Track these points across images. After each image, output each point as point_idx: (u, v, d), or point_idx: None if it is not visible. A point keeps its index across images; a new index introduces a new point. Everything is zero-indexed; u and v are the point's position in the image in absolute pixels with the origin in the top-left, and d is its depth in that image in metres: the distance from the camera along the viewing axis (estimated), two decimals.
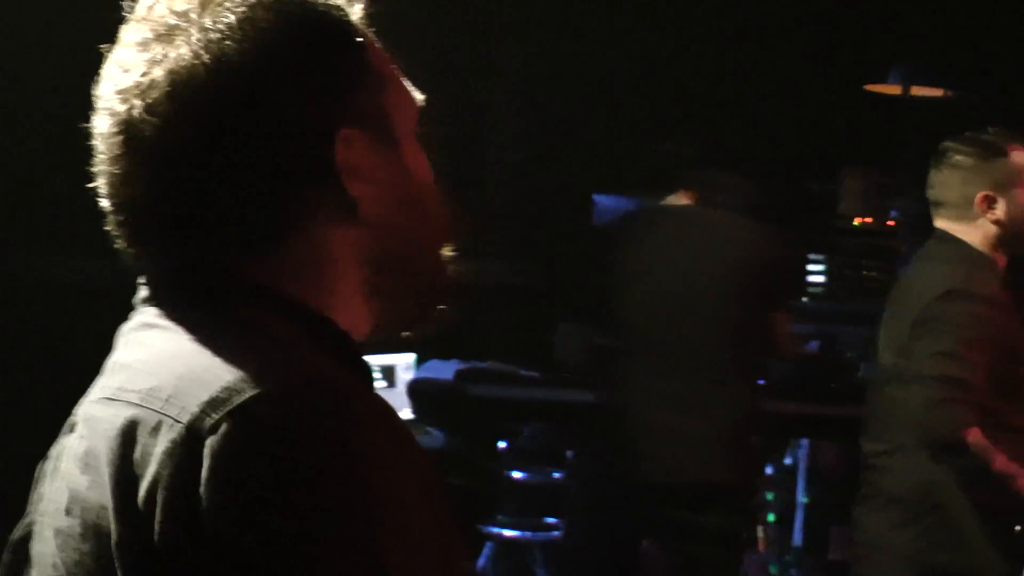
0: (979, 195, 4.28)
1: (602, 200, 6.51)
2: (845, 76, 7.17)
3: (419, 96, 1.61)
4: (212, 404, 1.35)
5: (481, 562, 6.83)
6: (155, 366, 1.43)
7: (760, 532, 6.86)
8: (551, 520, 6.67)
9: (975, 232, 4.30)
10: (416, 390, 6.09)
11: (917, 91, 6.59)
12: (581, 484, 5.50)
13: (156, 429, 1.37)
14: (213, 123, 1.45)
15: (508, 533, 6.79)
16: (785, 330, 5.24)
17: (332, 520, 1.31)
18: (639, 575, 6.91)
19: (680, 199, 5.14)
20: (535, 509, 6.83)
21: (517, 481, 6.78)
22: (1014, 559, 4.16)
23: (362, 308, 1.57)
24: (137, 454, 1.37)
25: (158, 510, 1.33)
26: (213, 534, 1.30)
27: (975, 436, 4.01)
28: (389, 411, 1.46)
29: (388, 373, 6.48)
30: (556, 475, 6.73)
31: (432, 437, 6.36)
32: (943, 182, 4.36)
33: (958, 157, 4.32)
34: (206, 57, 1.44)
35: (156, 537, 1.33)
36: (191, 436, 1.34)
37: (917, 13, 6.89)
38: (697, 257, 5.02)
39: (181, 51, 1.45)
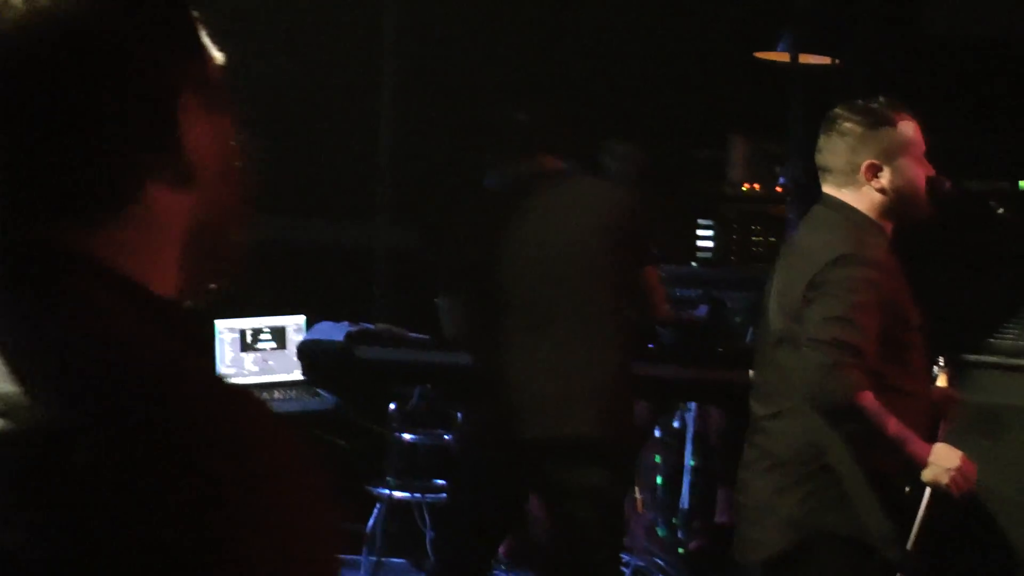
0: (865, 163, 4.33)
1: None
2: (734, 44, 7.21)
3: (219, 56, 1.53)
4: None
5: (370, 523, 6.84)
6: None
7: (637, 493, 6.92)
8: (440, 482, 6.70)
9: (861, 199, 4.36)
10: (305, 352, 6.08)
11: (805, 59, 6.65)
12: (463, 445, 5.51)
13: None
14: (46, 80, 1.36)
15: (397, 494, 6.81)
16: (658, 288, 5.28)
17: None
18: (524, 534, 6.98)
19: (548, 164, 5.17)
20: (424, 471, 6.86)
21: (406, 443, 6.80)
22: (901, 520, 4.23)
23: (176, 273, 1.49)
24: None
25: None
26: None
27: (868, 400, 4.06)
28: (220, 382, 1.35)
29: (278, 335, 6.46)
30: (445, 437, 6.75)
31: (322, 399, 6.36)
32: (830, 148, 4.40)
33: (846, 124, 4.36)
34: (33, 5, 1.36)
35: None
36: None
37: None
38: (564, 219, 5.05)
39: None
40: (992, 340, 5.82)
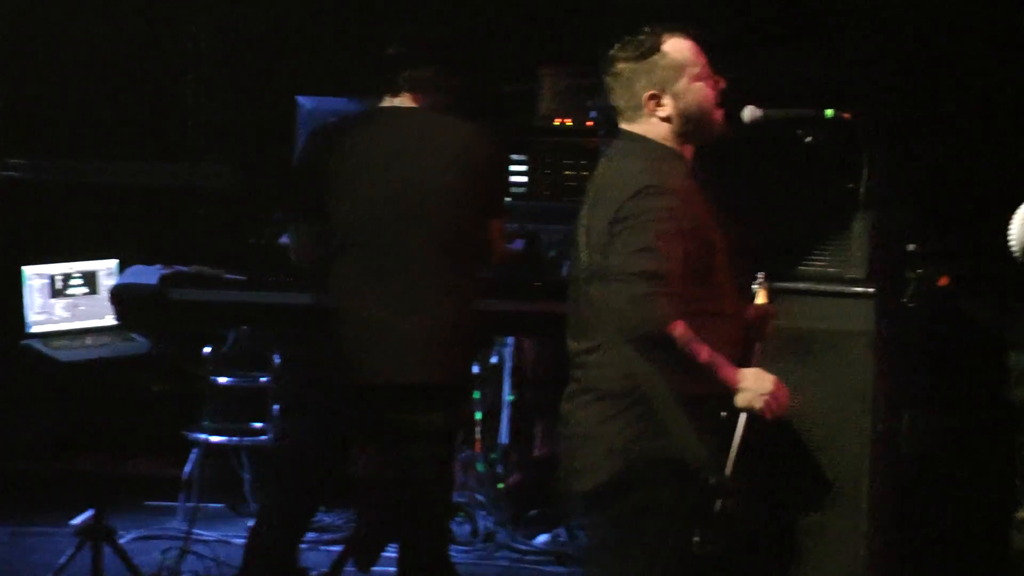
0: (644, 95, 4.38)
1: (306, 102, 6.44)
2: None
3: None
4: None
5: (187, 469, 6.78)
6: None
7: (477, 434, 6.95)
8: (257, 425, 6.66)
9: (652, 129, 4.42)
10: (118, 296, 5.97)
11: None
12: (287, 388, 5.47)
13: None
14: None
15: (214, 439, 6.75)
16: (501, 237, 5.30)
17: None
18: (350, 478, 6.96)
19: (402, 101, 5.15)
20: (241, 414, 6.80)
21: (222, 386, 6.73)
22: (718, 443, 4.30)
23: None
24: None
25: None
26: None
27: (680, 329, 4.12)
28: None
29: (89, 279, 6.35)
30: (262, 379, 6.70)
31: (136, 343, 6.26)
32: (612, 89, 4.48)
33: (618, 64, 4.44)
34: None
35: None
36: None
37: None
38: (416, 158, 5.05)
39: None
40: (801, 267, 5.93)
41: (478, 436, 7.26)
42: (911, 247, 4.82)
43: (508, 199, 6.39)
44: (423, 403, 5.00)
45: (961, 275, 4.84)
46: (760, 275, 4.73)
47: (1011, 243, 2.43)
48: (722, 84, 4.49)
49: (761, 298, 4.69)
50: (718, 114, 4.48)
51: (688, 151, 4.46)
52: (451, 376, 5.04)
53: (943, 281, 4.80)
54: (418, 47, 5.23)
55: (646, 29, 4.47)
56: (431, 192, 5.01)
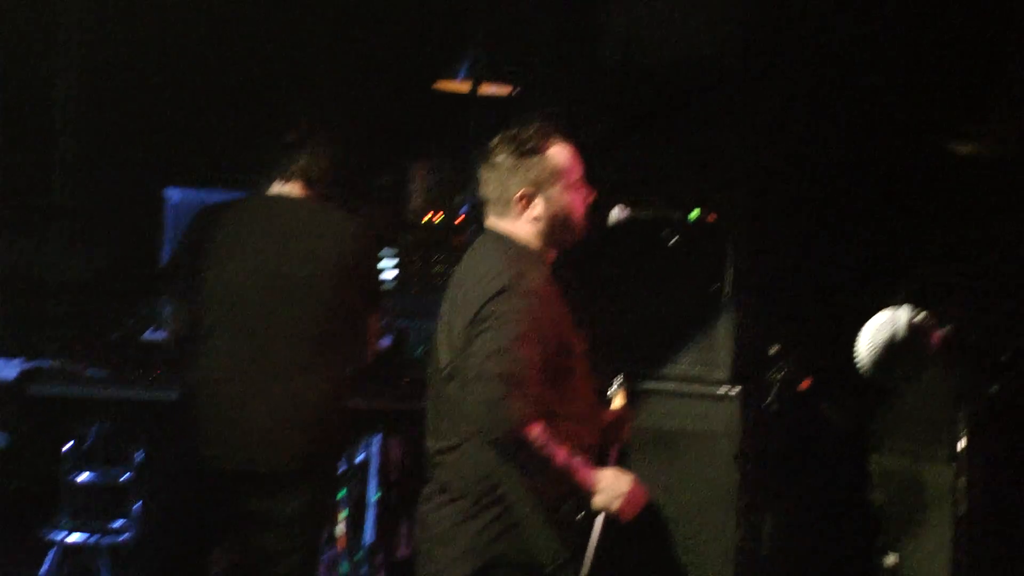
0: (517, 194, 4.39)
1: (174, 193, 6.40)
2: (415, 73, 7.24)
3: None
4: None
5: (43, 569, 6.64)
6: None
7: (341, 530, 6.88)
8: (118, 523, 6.53)
9: (520, 228, 4.41)
10: None
11: (485, 88, 6.72)
12: (150, 482, 5.38)
13: None
14: None
15: (73, 538, 6.62)
16: (376, 335, 5.29)
17: None
18: (212, 571, 6.85)
19: (290, 188, 5.14)
20: (101, 512, 6.67)
21: (81, 484, 6.61)
22: (574, 544, 4.29)
23: None
24: None
25: None
26: None
27: (537, 431, 4.12)
28: None
29: None
30: (124, 476, 6.59)
31: None
32: (487, 180, 4.43)
33: (498, 156, 4.41)
34: None
35: None
36: None
37: (486, 11, 7.00)
38: (293, 247, 5.02)
39: None
40: (667, 367, 5.97)
41: (341, 534, 7.20)
42: (773, 349, 4.86)
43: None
44: (280, 491, 4.95)
45: (822, 378, 4.88)
46: (617, 379, 4.75)
47: (858, 361, 2.46)
48: (592, 197, 4.51)
49: (619, 401, 4.72)
50: (584, 224, 4.50)
51: (551, 254, 4.48)
52: (311, 466, 4.99)
53: (805, 384, 4.83)
54: (317, 138, 5.22)
55: (533, 126, 4.47)
56: (304, 282, 4.99)
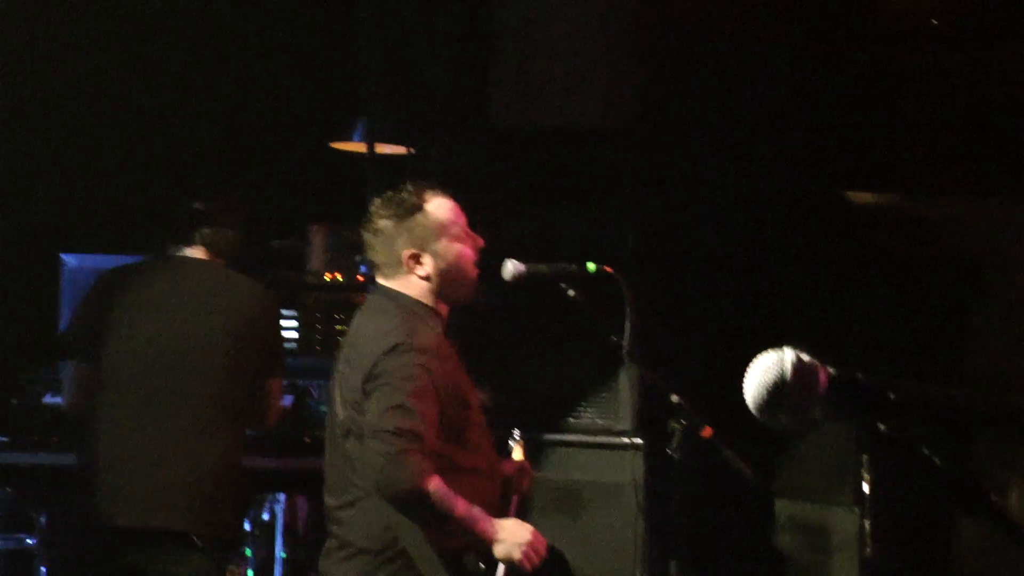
0: (404, 254, 4.41)
1: (70, 259, 6.36)
2: (311, 134, 7.25)
3: None
4: None
5: None
6: None
7: None
8: None
9: (410, 287, 4.44)
10: None
11: (381, 148, 6.74)
12: (54, 546, 5.31)
13: None
14: None
15: None
16: (277, 399, 5.27)
17: None
18: None
19: (193, 252, 5.12)
20: None
21: None
22: None
23: None
24: None
25: None
26: None
27: (433, 484, 4.13)
28: None
29: None
30: (28, 541, 6.51)
31: None
32: (371, 245, 4.49)
33: (379, 221, 4.45)
34: None
35: None
36: None
37: (381, 71, 7.02)
38: (194, 310, 5.02)
39: None
40: (570, 419, 5.99)
41: None
42: (675, 399, 4.88)
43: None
44: (176, 551, 4.90)
45: (724, 427, 4.91)
46: (516, 432, 4.77)
47: (748, 401, 2.49)
48: (480, 243, 4.54)
49: (518, 454, 4.74)
50: (475, 273, 4.52)
51: (444, 309, 4.50)
52: (208, 528, 4.95)
53: (707, 432, 4.86)
54: (227, 211, 5.21)
55: (408, 187, 4.50)
56: (205, 345, 4.97)
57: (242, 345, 5.02)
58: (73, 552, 5.11)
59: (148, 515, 4.88)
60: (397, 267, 4.44)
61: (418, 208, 4.44)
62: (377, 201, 4.51)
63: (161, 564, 4.93)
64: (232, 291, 5.11)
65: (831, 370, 2.54)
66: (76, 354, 5.12)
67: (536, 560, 4.37)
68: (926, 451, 2.52)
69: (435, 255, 4.44)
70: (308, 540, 7.07)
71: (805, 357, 2.52)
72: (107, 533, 4.92)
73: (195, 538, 4.90)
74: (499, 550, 4.31)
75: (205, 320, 5.01)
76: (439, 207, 4.47)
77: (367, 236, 4.49)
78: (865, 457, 5.61)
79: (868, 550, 5.60)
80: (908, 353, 6.12)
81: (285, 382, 6.10)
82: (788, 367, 2.47)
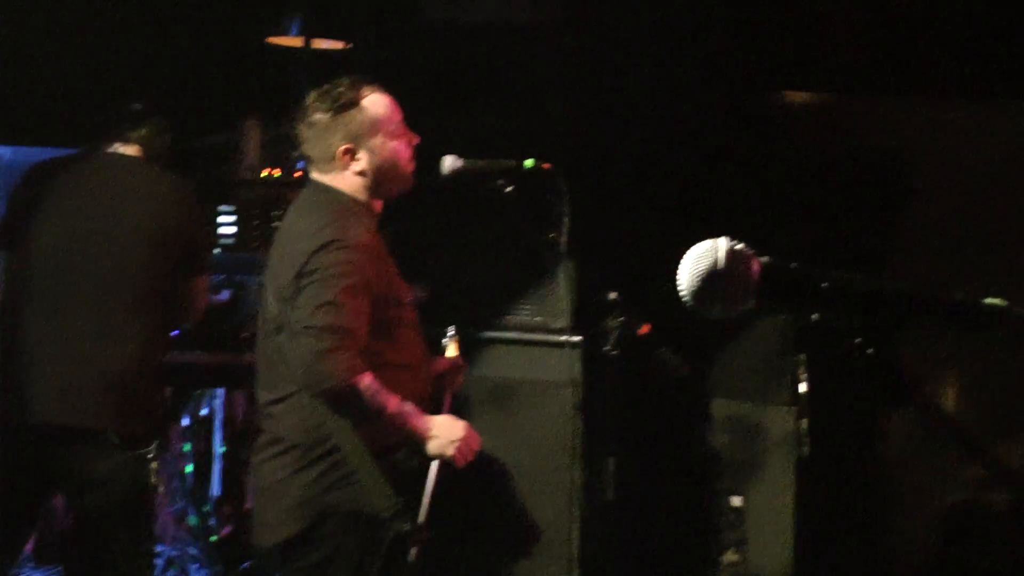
0: (339, 149, 4.37)
1: (4, 152, 6.31)
2: (246, 29, 7.18)
3: None
4: None
5: None
6: None
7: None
8: None
9: (344, 182, 4.41)
10: None
11: (317, 43, 6.69)
12: None
13: None
14: None
15: None
16: (203, 295, 5.23)
17: None
18: (50, 528, 6.76)
19: (126, 149, 5.09)
20: None
21: None
22: (410, 492, 4.30)
23: None
24: None
25: None
26: None
27: (365, 381, 4.13)
28: None
29: None
30: None
31: None
32: (306, 138, 4.45)
33: (315, 115, 4.41)
34: None
35: None
36: None
37: None
38: (115, 205, 4.99)
39: None
40: (507, 317, 5.99)
41: (187, 488, 7.15)
42: (612, 296, 4.89)
43: (216, 251, 6.36)
44: (89, 451, 4.87)
45: (660, 324, 4.93)
46: (450, 329, 4.77)
47: (680, 290, 2.49)
48: (416, 140, 4.51)
49: (452, 351, 4.74)
50: (409, 170, 4.49)
51: (377, 205, 4.47)
52: (122, 424, 4.91)
53: (643, 329, 4.88)
54: (159, 108, 5.17)
55: (345, 82, 4.46)
56: (121, 243, 4.93)
57: (159, 244, 4.98)
58: None
59: (61, 413, 4.85)
60: (331, 162, 4.41)
61: (355, 103, 4.40)
62: (313, 95, 4.46)
63: (79, 461, 4.91)
64: (155, 191, 5.07)
65: (764, 259, 2.53)
66: (1, 248, 5.10)
67: (469, 456, 4.39)
68: (857, 341, 2.52)
69: (370, 151, 4.40)
70: (246, 434, 7.09)
71: (738, 246, 2.51)
72: (22, 429, 4.90)
73: (111, 435, 4.87)
74: (432, 446, 4.32)
75: (123, 218, 4.97)
76: (375, 103, 4.43)
77: (302, 130, 4.45)
78: (802, 356, 5.68)
79: (803, 449, 5.67)
80: (839, 251, 6.15)
81: (222, 276, 6.09)
82: (721, 255, 2.47)
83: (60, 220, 4.97)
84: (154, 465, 4.94)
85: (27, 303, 4.94)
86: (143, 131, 5.14)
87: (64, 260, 4.92)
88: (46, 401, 4.85)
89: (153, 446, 4.95)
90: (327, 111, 4.39)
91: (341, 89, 4.43)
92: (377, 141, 4.41)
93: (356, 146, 4.39)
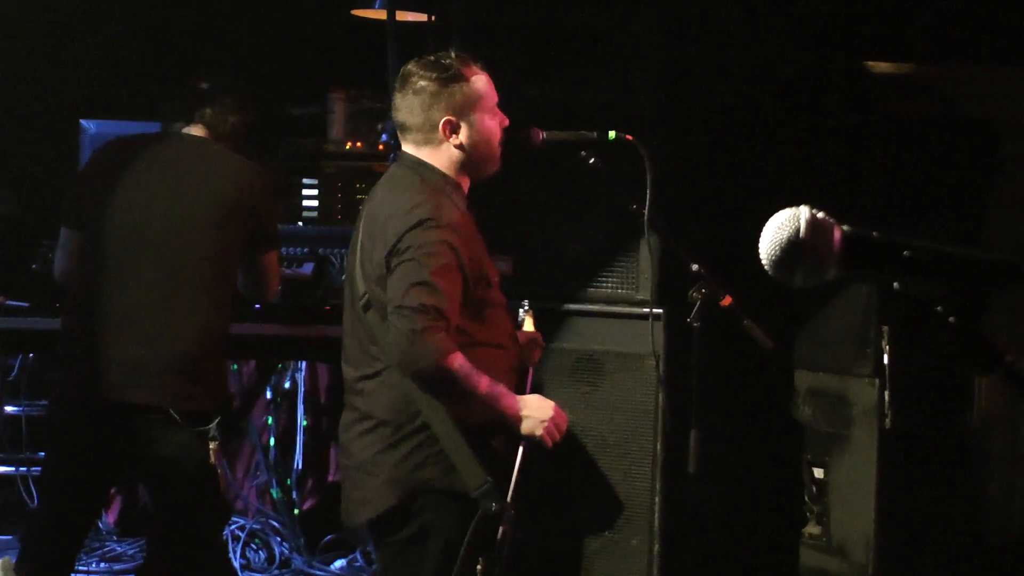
0: (442, 120, 4.35)
1: (90, 125, 6.36)
2: (331, 1, 7.21)
3: None
4: None
5: None
6: None
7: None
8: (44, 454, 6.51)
9: (440, 156, 4.39)
10: None
11: (402, 16, 6.69)
12: (51, 408, 5.32)
13: None
14: None
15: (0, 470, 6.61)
16: (275, 272, 5.26)
17: None
18: (133, 501, 6.85)
19: (193, 130, 5.12)
20: (28, 443, 6.66)
21: (7, 415, 6.59)
22: (499, 472, 4.31)
23: None
24: None
25: None
26: None
27: (457, 362, 4.12)
28: None
29: None
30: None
31: None
32: (407, 107, 4.40)
33: (420, 82, 4.36)
34: None
35: None
36: None
37: None
38: (183, 187, 5.01)
39: None
40: (590, 289, 5.99)
41: (271, 461, 7.21)
42: (695, 267, 4.88)
43: (299, 224, 6.39)
44: (162, 426, 4.90)
45: (744, 296, 4.91)
46: (524, 303, 4.76)
47: (762, 258, 2.47)
48: (506, 122, 4.49)
49: (528, 325, 4.73)
50: (499, 152, 4.48)
51: (466, 183, 4.46)
52: (183, 402, 4.93)
53: (726, 301, 4.86)
54: (230, 93, 5.19)
55: (452, 54, 4.44)
56: (187, 223, 4.95)
57: (222, 224, 5.00)
58: (55, 423, 5.11)
59: (126, 389, 4.88)
60: (430, 132, 4.37)
61: (462, 76, 4.38)
62: (415, 64, 4.42)
63: (144, 438, 4.92)
64: (222, 172, 5.09)
65: (846, 228, 2.51)
66: (68, 221, 5.13)
67: (557, 437, 4.38)
68: (939, 309, 2.49)
69: (471, 126, 4.38)
70: (328, 408, 7.14)
71: (820, 214, 2.49)
72: (90, 405, 4.94)
73: (174, 414, 4.89)
74: (524, 426, 4.32)
75: (190, 199, 4.99)
76: (480, 79, 4.42)
77: (402, 98, 4.40)
78: (885, 328, 5.64)
79: (888, 420, 5.64)
80: (925, 219, 6.09)
81: (305, 249, 6.13)
82: (803, 224, 2.44)
83: (127, 200, 4.99)
84: (213, 445, 4.95)
85: (98, 280, 4.97)
86: (207, 111, 5.15)
87: (132, 240, 4.95)
88: (112, 377, 4.88)
89: (213, 424, 4.95)
90: (434, 80, 4.36)
91: (449, 61, 4.39)
92: (477, 117, 4.39)
93: (458, 119, 4.36)
